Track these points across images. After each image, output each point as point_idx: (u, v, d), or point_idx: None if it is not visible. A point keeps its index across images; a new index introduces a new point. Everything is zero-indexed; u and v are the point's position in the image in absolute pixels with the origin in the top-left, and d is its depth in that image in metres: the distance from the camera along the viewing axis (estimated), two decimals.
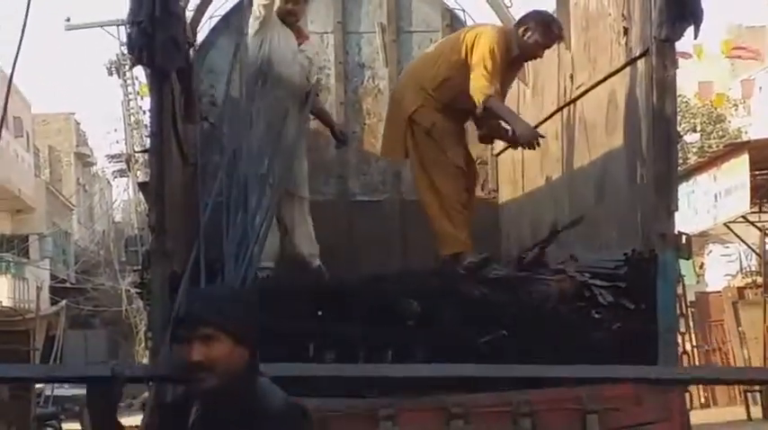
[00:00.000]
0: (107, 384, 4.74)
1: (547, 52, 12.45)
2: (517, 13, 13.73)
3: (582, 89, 11.30)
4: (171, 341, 4.66)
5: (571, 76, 11.56)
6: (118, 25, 45.82)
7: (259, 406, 4.47)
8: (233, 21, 13.33)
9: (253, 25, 11.04)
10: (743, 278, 35.62)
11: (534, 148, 10.86)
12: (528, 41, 10.48)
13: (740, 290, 32.62)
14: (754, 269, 34.70)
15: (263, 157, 10.07)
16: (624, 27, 10.18)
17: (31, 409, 23.23)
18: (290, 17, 11.26)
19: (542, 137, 10.74)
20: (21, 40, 8.63)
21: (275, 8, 11.20)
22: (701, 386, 28.82)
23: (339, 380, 8.43)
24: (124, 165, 59.07)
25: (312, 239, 11.17)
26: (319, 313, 9.16)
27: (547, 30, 10.58)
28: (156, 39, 9.18)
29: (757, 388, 28.63)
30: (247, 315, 4.67)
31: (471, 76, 10.47)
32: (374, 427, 8.29)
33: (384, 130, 11.71)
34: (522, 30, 10.62)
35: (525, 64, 11.85)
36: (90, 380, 5.11)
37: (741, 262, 38.21)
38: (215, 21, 13.35)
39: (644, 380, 8.29)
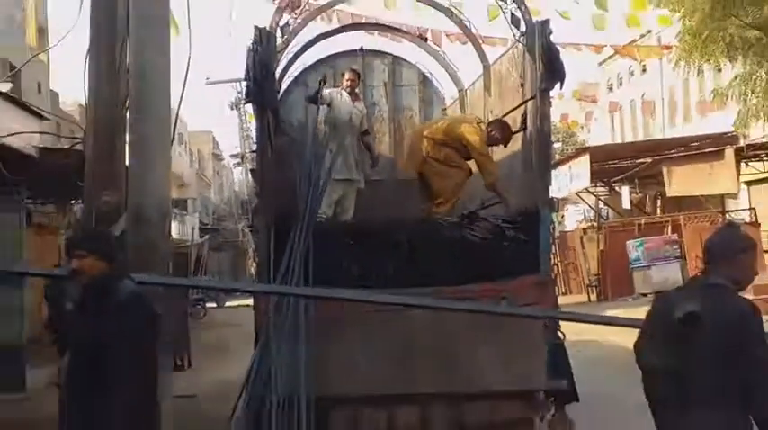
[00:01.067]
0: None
1: (476, 97, 12.40)
2: (464, 71, 13.71)
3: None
4: (66, 255, 4.98)
5: (491, 111, 11.48)
6: (236, 81, 45.76)
7: (114, 295, 4.81)
8: (301, 79, 13.30)
9: (324, 102, 11.12)
10: (585, 223, 35.62)
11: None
12: (492, 135, 10.29)
13: (584, 230, 32.68)
14: (591, 218, 34.71)
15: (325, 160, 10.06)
16: (521, 83, 10.06)
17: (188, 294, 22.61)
18: (350, 88, 11.36)
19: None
20: (182, 92, 8.54)
21: (340, 86, 11.61)
22: (563, 281, 29.03)
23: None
24: (239, 160, 59.01)
25: (351, 214, 11.18)
26: (350, 242, 9.15)
27: (503, 132, 10.36)
28: (265, 89, 9.17)
29: (595, 283, 28.71)
30: (107, 244, 5.08)
31: (482, 161, 10.40)
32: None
33: (406, 160, 11.57)
34: (488, 129, 10.42)
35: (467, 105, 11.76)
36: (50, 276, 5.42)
37: (585, 214, 38.24)
38: (291, 78, 13.33)
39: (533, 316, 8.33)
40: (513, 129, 10.41)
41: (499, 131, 10.38)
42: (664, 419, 4.15)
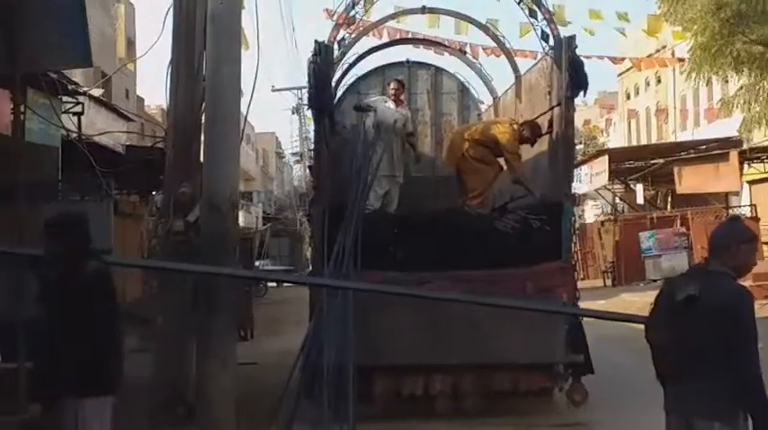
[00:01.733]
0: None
1: (508, 103, 12.21)
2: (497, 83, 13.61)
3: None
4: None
5: (521, 116, 11.38)
6: (297, 89, 45.73)
7: (77, 273, 4.86)
8: (355, 87, 13.29)
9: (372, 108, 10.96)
10: (603, 216, 35.25)
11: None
12: (524, 134, 10.11)
13: (602, 222, 32.38)
14: (608, 212, 34.36)
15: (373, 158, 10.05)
16: (549, 91, 10.00)
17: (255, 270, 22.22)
18: (395, 96, 11.16)
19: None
20: (250, 98, 8.57)
21: (387, 94, 11.40)
22: (582, 267, 28.65)
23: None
24: (299, 158, 59.06)
25: (395, 205, 10.97)
26: (395, 230, 9.17)
27: (533, 132, 10.25)
28: (323, 96, 9.21)
29: (610, 270, 28.42)
30: (65, 229, 4.99)
31: (510, 158, 10.16)
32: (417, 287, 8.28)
33: (445, 157, 11.37)
34: (521, 129, 10.26)
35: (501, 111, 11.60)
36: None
37: (602, 208, 37.82)
38: (345, 86, 13.31)
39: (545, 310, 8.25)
40: (539, 121, 10.36)
41: (530, 131, 10.28)
42: (668, 389, 4.18)
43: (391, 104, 11.26)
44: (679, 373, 4.07)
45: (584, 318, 8.93)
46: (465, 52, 15.57)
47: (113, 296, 5.15)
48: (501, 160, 10.56)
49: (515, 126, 10.59)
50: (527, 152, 10.90)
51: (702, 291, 4.00)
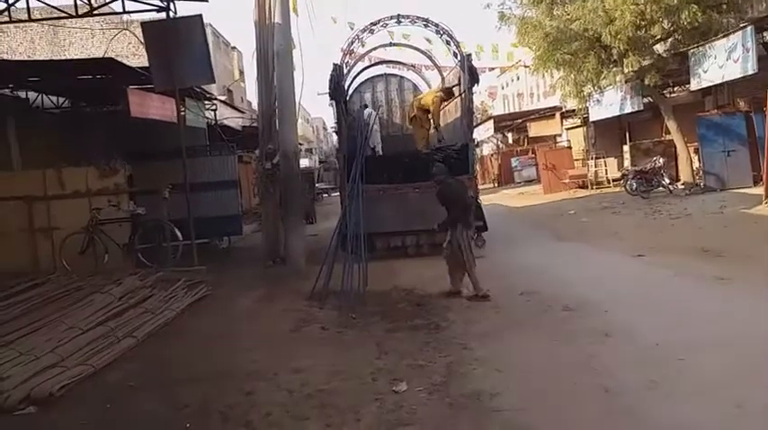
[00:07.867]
0: None
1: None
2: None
3: (449, 103, 10.74)
4: None
5: (445, 100, 10.99)
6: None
7: None
8: (356, 89, 12.83)
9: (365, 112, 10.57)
10: (491, 151, 34.64)
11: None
12: (442, 96, 9.81)
13: (492, 154, 31.84)
14: (495, 148, 33.79)
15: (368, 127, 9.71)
16: (459, 82, 9.64)
17: (314, 189, 21.64)
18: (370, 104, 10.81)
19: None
20: (300, 97, 8.23)
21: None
22: (481, 177, 28.10)
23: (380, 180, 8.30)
24: (334, 129, 57.73)
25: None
26: (382, 162, 8.93)
27: (447, 93, 9.96)
28: (338, 91, 8.81)
29: (496, 178, 27.94)
30: None
31: (434, 115, 9.80)
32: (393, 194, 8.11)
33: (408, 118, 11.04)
34: (441, 95, 9.94)
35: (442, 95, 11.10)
36: None
37: (492, 147, 37.14)
38: (351, 89, 12.81)
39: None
40: (455, 101, 10.00)
41: (446, 93, 10.10)
42: (453, 221, 5.43)
43: (370, 110, 10.95)
44: (463, 214, 5.39)
45: (484, 203, 8.80)
46: (414, 66, 14.95)
47: None
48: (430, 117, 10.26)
49: (438, 94, 10.27)
50: (449, 117, 10.60)
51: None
